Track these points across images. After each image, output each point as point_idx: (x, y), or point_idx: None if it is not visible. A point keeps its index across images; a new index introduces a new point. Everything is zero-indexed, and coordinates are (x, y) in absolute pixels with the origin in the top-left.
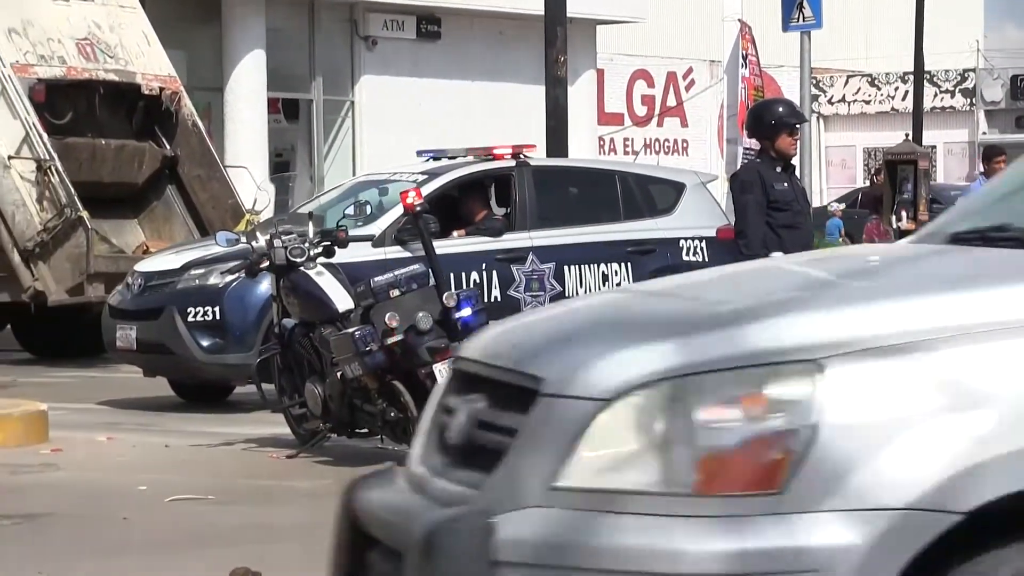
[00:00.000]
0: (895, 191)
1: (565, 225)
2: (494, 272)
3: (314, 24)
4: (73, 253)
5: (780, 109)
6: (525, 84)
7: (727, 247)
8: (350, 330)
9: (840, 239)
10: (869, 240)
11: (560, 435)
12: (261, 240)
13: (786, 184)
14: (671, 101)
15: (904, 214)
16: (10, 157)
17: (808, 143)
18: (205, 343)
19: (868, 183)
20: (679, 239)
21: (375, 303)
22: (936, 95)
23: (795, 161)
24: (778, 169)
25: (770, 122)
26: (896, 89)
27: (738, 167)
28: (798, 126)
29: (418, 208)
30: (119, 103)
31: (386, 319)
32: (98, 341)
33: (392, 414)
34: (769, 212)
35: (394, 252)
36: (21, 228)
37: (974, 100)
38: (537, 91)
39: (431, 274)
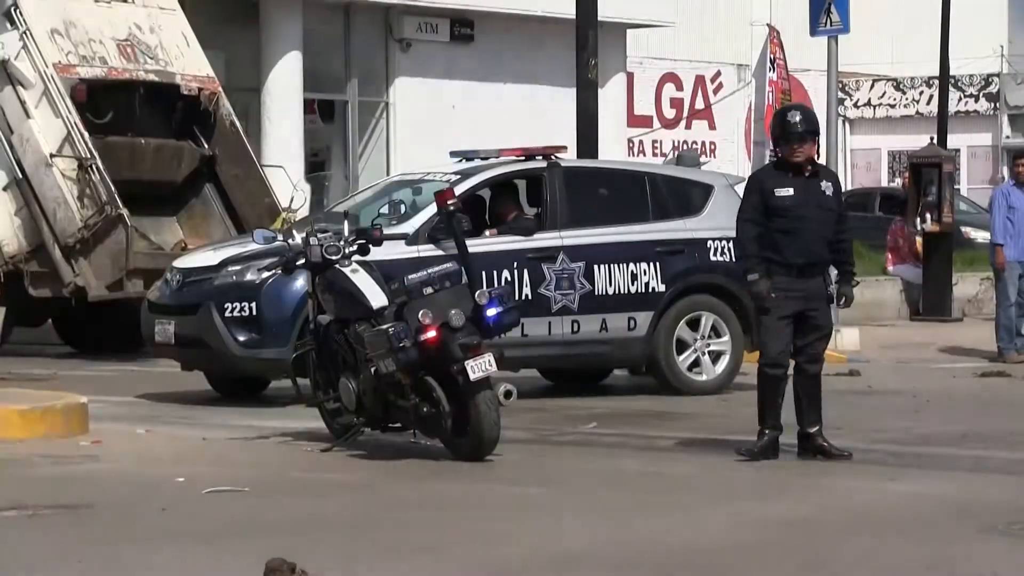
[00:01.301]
0: (919, 194)
1: (595, 225)
2: (525, 270)
3: (349, 27)
4: (113, 250)
5: (786, 119)
6: (556, 87)
7: None
8: (384, 327)
9: None
10: (894, 242)
11: None
12: (297, 238)
13: (791, 190)
14: (699, 104)
15: (928, 216)
16: (52, 155)
17: (834, 146)
18: (242, 338)
19: (901, 185)
20: (707, 240)
21: (409, 300)
22: (960, 99)
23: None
24: (790, 175)
25: (776, 132)
26: (921, 93)
27: None
28: (808, 136)
29: (451, 207)
30: (159, 103)
31: (419, 316)
32: (137, 336)
33: (425, 409)
34: (770, 218)
35: (427, 250)
36: (63, 225)
37: (998, 104)
38: (568, 93)
39: (464, 272)
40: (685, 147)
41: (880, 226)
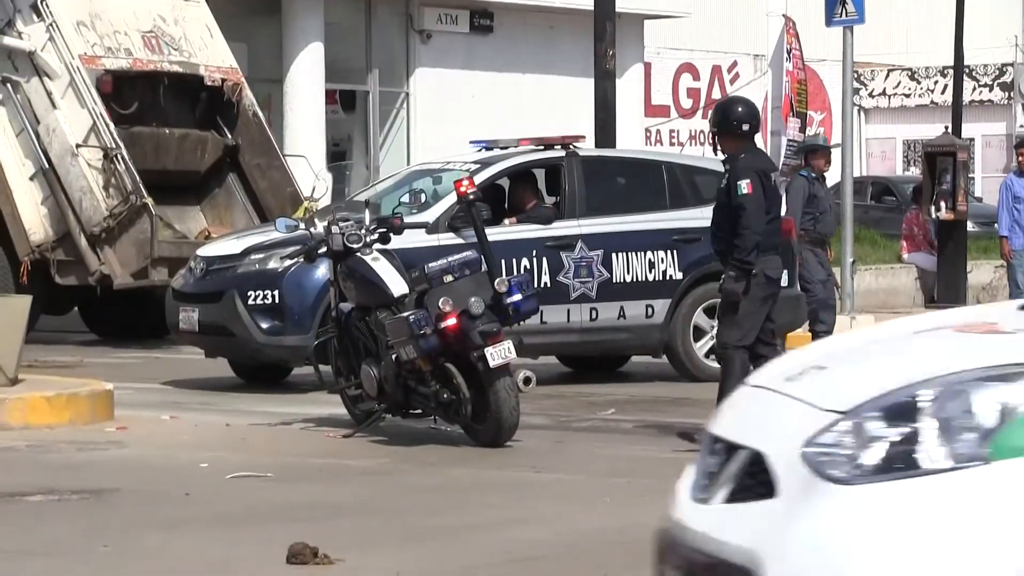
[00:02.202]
0: (934, 182)
1: (613, 214)
2: (544, 259)
3: (370, 18)
4: (138, 238)
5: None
6: (574, 77)
7: None
8: (405, 314)
9: None
10: (909, 231)
11: None
12: (319, 226)
13: (721, 185)
14: (716, 94)
15: (943, 204)
16: (78, 145)
17: (849, 135)
18: (265, 326)
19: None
20: None
21: (429, 288)
22: (975, 89)
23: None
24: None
25: None
26: (936, 83)
27: (781, 159)
28: (713, 131)
29: (471, 196)
30: (183, 94)
31: (440, 304)
32: (162, 323)
33: (445, 396)
34: None
35: (448, 239)
36: (88, 214)
37: (1012, 94)
38: (586, 84)
39: (483, 260)
40: (702, 135)
41: (869, 214)
